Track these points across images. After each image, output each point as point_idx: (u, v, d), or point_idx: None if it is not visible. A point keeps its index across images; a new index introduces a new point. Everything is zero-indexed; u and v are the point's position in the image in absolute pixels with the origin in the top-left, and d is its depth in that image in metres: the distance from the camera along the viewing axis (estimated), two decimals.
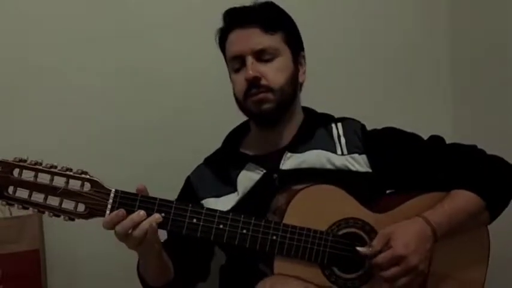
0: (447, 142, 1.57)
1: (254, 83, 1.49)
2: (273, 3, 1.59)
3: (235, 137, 1.67)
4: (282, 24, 1.56)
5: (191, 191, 1.60)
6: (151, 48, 1.96)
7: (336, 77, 2.11)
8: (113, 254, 1.87)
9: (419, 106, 2.25)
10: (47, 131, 1.85)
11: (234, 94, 1.57)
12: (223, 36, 1.58)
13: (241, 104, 1.55)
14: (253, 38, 1.51)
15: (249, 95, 1.51)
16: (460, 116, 2.25)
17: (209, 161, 1.65)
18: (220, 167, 1.60)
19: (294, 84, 1.56)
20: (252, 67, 1.49)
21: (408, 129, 1.59)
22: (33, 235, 1.74)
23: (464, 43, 2.23)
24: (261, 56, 1.51)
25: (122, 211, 1.29)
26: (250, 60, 1.50)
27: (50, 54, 1.86)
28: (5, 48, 1.83)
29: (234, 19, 1.55)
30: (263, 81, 1.50)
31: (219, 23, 1.57)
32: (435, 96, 2.28)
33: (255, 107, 1.52)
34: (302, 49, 1.61)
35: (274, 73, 1.51)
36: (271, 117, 1.54)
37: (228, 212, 1.37)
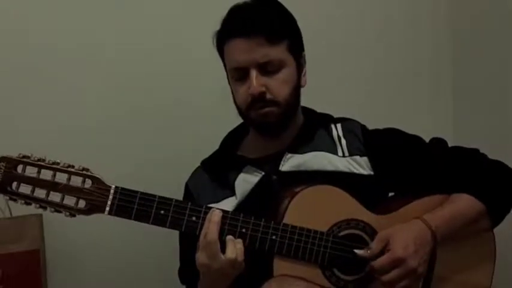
0: (447, 142, 1.57)
1: (259, 98, 1.45)
2: (278, 8, 1.53)
3: (233, 139, 1.65)
4: (287, 31, 1.50)
5: (191, 199, 1.56)
6: (151, 47, 1.95)
7: (334, 77, 2.11)
8: (113, 254, 1.91)
9: (419, 106, 2.26)
10: (44, 129, 1.85)
11: (235, 102, 1.54)
12: (222, 41, 1.51)
13: (243, 114, 1.52)
14: (258, 50, 1.43)
15: (253, 108, 1.48)
16: (461, 116, 2.26)
17: (206, 165, 1.63)
18: (217, 171, 1.58)
19: (298, 92, 1.53)
20: (257, 81, 1.44)
21: (408, 129, 1.59)
22: (33, 235, 1.74)
23: (465, 43, 2.25)
24: (266, 67, 1.45)
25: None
26: (254, 73, 1.44)
27: (49, 52, 1.86)
28: (4, 48, 1.83)
29: (236, 26, 1.46)
30: (268, 96, 1.45)
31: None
32: (436, 96, 2.30)
33: (259, 119, 1.49)
34: (303, 49, 1.57)
35: (279, 86, 1.46)
36: (275, 128, 1.52)
37: (227, 211, 1.36)
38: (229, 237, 1.33)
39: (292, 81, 1.50)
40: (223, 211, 1.35)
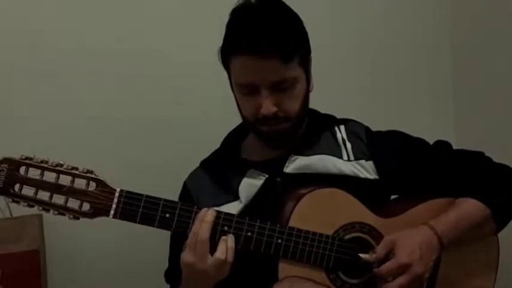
0: (449, 142, 1.57)
1: (271, 117, 1.42)
2: (290, 21, 1.44)
3: (234, 140, 1.62)
4: (299, 47, 1.43)
5: (190, 199, 1.55)
6: (151, 47, 1.94)
7: (334, 78, 2.09)
8: (113, 254, 1.91)
9: (419, 107, 2.27)
10: (43, 130, 1.84)
11: (241, 113, 1.50)
12: (230, 54, 1.43)
13: (251, 125, 1.49)
14: (272, 70, 1.37)
15: (264, 124, 1.44)
16: (462, 116, 2.27)
17: (207, 166, 1.61)
18: (219, 174, 1.56)
19: (307, 100, 1.51)
20: (269, 101, 1.40)
21: (409, 130, 1.59)
22: (33, 235, 1.73)
23: (465, 43, 2.25)
24: (279, 85, 1.40)
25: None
26: (266, 93, 1.39)
27: (49, 52, 1.85)
28: (4, 48, 1.82)
29: (247, 44, 1.37)
30: (280, 113, 1.42)
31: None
32: (436, 97, 2.30)
33: (270, 134, 1.47)
34: (309, 52, 1.51)
35: (291, 103, 1.43)
36: (285, 140, 1.50)
37: (232, 214, 1.36)
38: (222, 238, 1.32)
39: (303, 93, 1.47)
40: (217, 212, 1.34)
